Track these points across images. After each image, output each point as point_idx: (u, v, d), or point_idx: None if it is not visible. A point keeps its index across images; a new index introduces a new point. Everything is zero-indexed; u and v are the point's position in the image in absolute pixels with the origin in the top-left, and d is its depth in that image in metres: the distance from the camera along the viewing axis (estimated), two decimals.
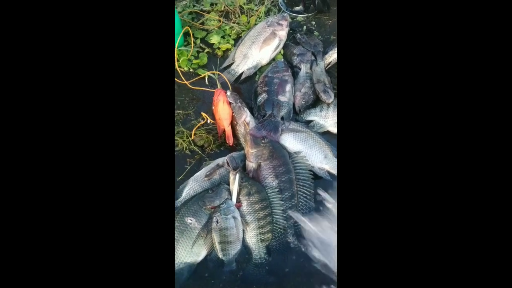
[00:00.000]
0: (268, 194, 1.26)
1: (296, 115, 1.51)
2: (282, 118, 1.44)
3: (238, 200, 1.25)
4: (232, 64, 1.66)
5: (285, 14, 1.74)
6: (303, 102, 1.50)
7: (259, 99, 1.49)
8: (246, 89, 1.61)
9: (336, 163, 1.35)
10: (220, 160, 1.35)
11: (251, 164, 1.32)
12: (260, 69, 1.65)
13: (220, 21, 1.80)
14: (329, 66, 1.62)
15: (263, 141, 1.32)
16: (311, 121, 1.48)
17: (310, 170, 1.32)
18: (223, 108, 1.43)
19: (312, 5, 1.82)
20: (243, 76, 1.63)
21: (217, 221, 1.20)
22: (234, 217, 1.21)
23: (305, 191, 1.28)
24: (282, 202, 1.26)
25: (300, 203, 1.27)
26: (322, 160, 1.36)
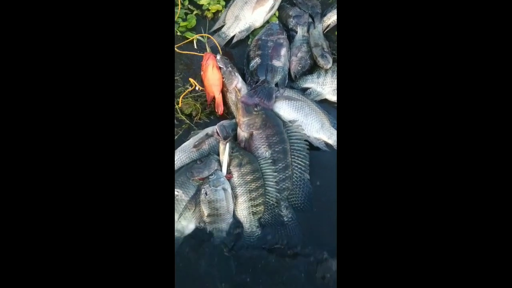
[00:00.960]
0: (261, 165, 1.19)
1: (292, 81, 1.42)
2: (276, 85, 1.35)
3: (229, 171, 1.18)
4: (222, 26, 1.55)
5: None
6: (299, 68, 1.41)
7: (251, 64, 1.39)
8: (237, 53, 1.51)
9: (333, 132, 1.28)
10: (209, 130, 1.27)
11: (242, 134, 1.24)
12: (253, 32, 1.55)
13: None
14: (328, 29, 1.52)
15: (255, 109, 1.23)
16: (307, 88, 1.40)
17: (305, 140, 1.25)
18: (212, 73, 1.33)
19: None
20: (234, 40, 1.53)
21: (205, 193, 1.14)
22: (224, 189, 1.15)
23: (300, 162, 1.21)
24: (275, 173, 1.19)
25: (295, 175, 1.21)
26: (319, 129, 1.29)
